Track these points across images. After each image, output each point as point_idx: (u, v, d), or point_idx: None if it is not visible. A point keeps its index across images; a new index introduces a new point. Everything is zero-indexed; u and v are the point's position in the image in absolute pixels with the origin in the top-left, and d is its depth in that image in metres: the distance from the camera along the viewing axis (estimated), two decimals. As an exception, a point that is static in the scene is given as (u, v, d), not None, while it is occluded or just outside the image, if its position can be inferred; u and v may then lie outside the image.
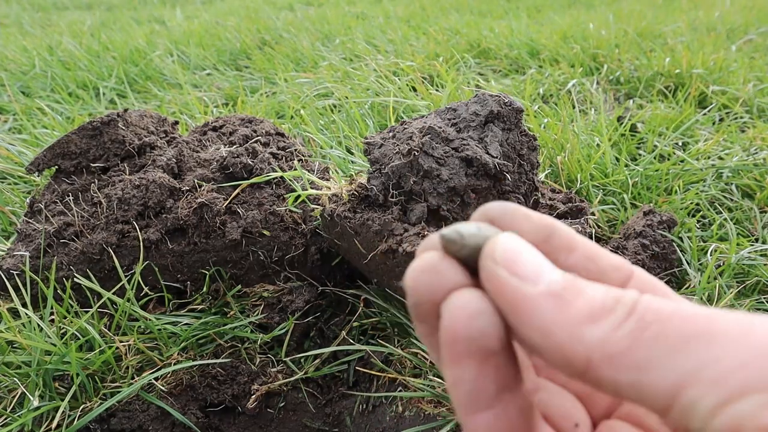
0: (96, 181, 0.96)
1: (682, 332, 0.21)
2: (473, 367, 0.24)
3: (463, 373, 0.24)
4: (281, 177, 0.97)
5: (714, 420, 0.19)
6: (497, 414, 0.24)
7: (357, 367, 0.87)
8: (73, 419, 0.73)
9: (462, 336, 0.23)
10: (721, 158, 1.28)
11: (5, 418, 0.71)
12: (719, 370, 0.19)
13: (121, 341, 0.81)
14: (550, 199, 0.96)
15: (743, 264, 0.94)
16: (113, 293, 0.82)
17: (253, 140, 1.05)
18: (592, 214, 1.06)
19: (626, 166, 1.22)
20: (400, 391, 0.81)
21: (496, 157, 0.78)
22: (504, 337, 0.24)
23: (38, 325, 0.78)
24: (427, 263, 0.25)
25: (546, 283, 0.23)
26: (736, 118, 1.55)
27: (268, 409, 0.84)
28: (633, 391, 0.21)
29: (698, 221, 1.09)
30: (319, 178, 0.96)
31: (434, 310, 0.25)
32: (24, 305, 0.81)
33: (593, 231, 1.03)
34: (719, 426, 0.19)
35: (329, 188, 0.89)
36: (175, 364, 0.81)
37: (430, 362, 0.80)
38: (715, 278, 0.91)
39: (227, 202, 0.91)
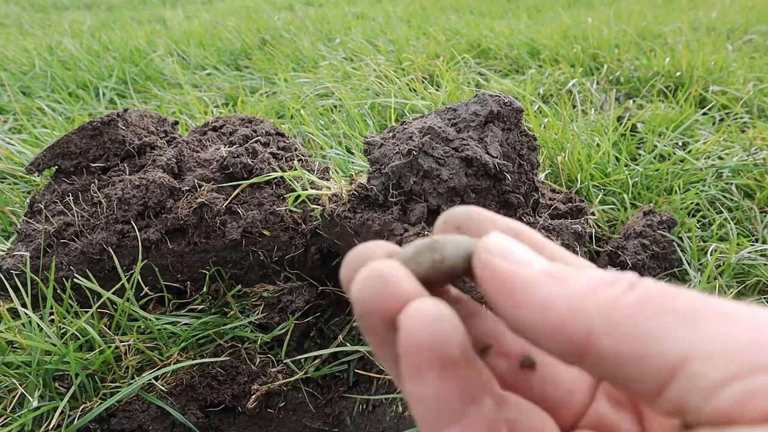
0: (96, 181, 0.96)
1: (689, 308, 0.20)
2: (435, 378, 0.22)
3: (425, 386, 0.22)
4: (281, 177, 0.97)
5: (718, 394, 0.18)
6: (464, 428, 0.23)
7: (356, 369, 0.87)
8: (73, 419, 0.73)
9: (422, 344, 0.22)
10: (721, 158, 1.28)
11: (5, 418, 0.71)
12: (730, 344, 0.19)
13: (121, 341, 0.81)
14: (550, 199, 0.96)
15: (743, 264, 0.94)
16: (113, 293, 0.82)
17: (253, 140, 1.05)
18: (592, 214, 1.06)
19: (626, 166, 1.22)
20: (400, 391, 0.81)
21: (496, 157, 0.78)
22: (466, 344, 0.23)
23: (38, 325, 0.78)
24: (376, 271, 0.23)
25: (541, 266, 0.23)
26: (736, 118, 1.55)
27: (268, 409, 0.84)
28: (634, 363, 0.20)
29: (698, 221, 1.09)
30: (319, 178, 0.96)
31: (384, 321, 0.23)
32: (24, 305, 0.81)
33: (593, 231, 1.03)
34: (723, 401, 0.18)
35: (329, 188, 0.89)
36: (175, 364, 0.81)
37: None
38: (715, 278, 0.91)
39: (227, 202, 0.91)
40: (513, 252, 0.24)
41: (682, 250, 0.98)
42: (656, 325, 0.20)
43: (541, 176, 1.12)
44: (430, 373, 0.22)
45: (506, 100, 0.81)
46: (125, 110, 1.04)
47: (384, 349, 0.25)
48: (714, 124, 1.54)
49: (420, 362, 0.22)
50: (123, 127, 1.01)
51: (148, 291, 0.89)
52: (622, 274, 0.22)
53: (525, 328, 0.23)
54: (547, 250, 0.27)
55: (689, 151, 1.29)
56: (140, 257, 0.86)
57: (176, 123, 1.15)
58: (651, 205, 1.07)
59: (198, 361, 0.82)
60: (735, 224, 1.05)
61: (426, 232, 0.75)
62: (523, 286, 0.23)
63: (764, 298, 0.90)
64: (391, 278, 0.23)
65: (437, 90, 1.65)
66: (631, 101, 1.70)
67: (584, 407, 0.28)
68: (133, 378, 0.79)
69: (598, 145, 1.28)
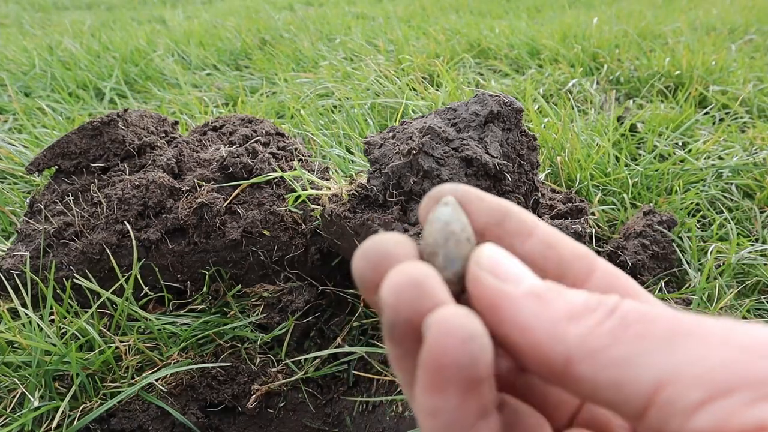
0: (96, 181, 0.96)
1: (665, 332, 0.20)
2: (457, 395, 0.21)
3: (444, 402, 0.21)
4: (281, 177, 0.97)
5: (695, 417, 0.19)
6: None
7: (355, 371, 0.87)
8: (73, 419, 0.73)
9: (451, 362, 0.20)
10: (721, 158, 1.28)
11: (5, 418, 0.71)
12: (703, 367, 0.19)
13: (121, 341, 0.81)
14: (550, 199, 0.96)
15: (743, 264, 0.94)
16: (112, 293, 0.82)
17: (253, 140, 1.05)
18: (592, 214, 1.06)
19: (626, 165, 1.22)
20: (400, 392, 0.81)
21: (496, 157, 0.78)
22: (493, 362, 0.22)
23: (38, 325, 0.78)
24: (413, 277, 0.22)
25: (528, 285, 0.23)
26: (736, 118, 1.55)
27: (268, 409, 0.84)
28: (612, 390, 0.20)
29: (698, 221, 1.09)
30: (319, 178, 0.96)
31: (414, 331, 0.22)
32: (24, 305, 0.81)
33: (593, 231, 1.03)
34: (701, 423, 0.18)
35: (329, 188, 0.89)
36: (175, 364, 0.81)
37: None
38: (715, 278, 0.91)
39: (227, 202, 0.91)
40: (502, 267, 0.24)
41: (682, 250, 0.98)
42: (631, 351, 0.20)
43: (541, 176, 1.12)
44: (453, 390, 0.21)
45: (506, 100, 0.81)
46: (125, 110, 1.04)
47: (405, 359, 0.24)
48: (714, 124, 1.54)
49: (445, 378, 0.21)
50: (123, 127, 1.01)
51: (148, 291, 0.89)
52: (605, 298, 0.22)
53: (507, 346, 0.23)
54: (537, 234, 0.26)
55: (689, 151, 1.29)
56: (135, 257, 0.86)
57: (176, 123, 1.15)
58: (651, 205, 1.07)
59: (198, 362, 0.82)
60: (735, 224, 1.05)
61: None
62: (507, 305, 0.23)
63: (764, 298, 0.90)
64: (427, 287, 0.22)
65: (437, 90, 1.65)
66: (631, 101, 1.70)
67: (579, 406, 0.28)
68: (133, 378, 0.79)
69: (598, 145, 1.28)
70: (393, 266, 0.23)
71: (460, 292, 0.25)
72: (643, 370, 0.20)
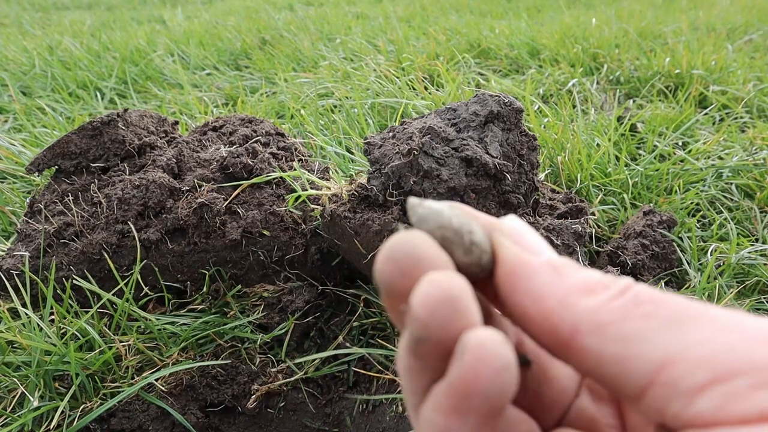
0: (96, 181, 0.96)
1: (674, 314, 0.21)
2: (477, 422, 0.21)
3: (463, 427, 0.21)
4: (281, 177, 0.97)
5: (698, 399, 0.19)
6: None
7: (356, 368, 0.87)
8: (73, 419, 0.73)
9: (481, 391, 0.20)
10: (721, 158, 1.28)
11: (5, 418, 0.71)
12: (710, 349, 0.19)
13: (121, 341, 0.81)
14: (550, 199, 0.96)
15: (743, 264, 0.94)
16: (112, 293, 0.82)
17: (253, 140, 1.05)
18: (592, 214, 1.06)
19: (626, 165, 1.22)
20: (400, 391, 0.81)
21: (496, 157, 0.78)
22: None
23: (38, 325, 0.78)
24: (448, 293, 0.20)
25: (547, 257, 0.24)
26: (736, 118, 1.55)
27: (268, 409, 0.84)
28: (615, 364, 0.20)
29: (698, 221, 1.09)
30: (319, 178, 0.96)
31: (442, 349, 0.21)
32: (24, 305, 0.81)
33: (593, 231, 1.03)
34: (704, 405, 0.19)
35: (329, 188, 0.89)
36: (174, 364, 0.81)
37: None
38: (715, 278, 0.91)
39: (227, 202, 0.91)
40: (524, 237, 0.25)
41: (682, 250, 0.98)
42: (639, 328, 0.20)
43: (541, 176, 1.12)
44: (473, 417, 0.20)
45: (506, 100, 0.81)
46: (125, 110, 1.04)
47: (422, 373, 0.23)
48: (714, 124, 1.54)
49: (470, 405, 0.20)
50: (123, 127, 1.01)
51: (148, 291, 0.89)
52: (618, 278, 0.23)
53: (517, 314, 0.23)
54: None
55: (689, 151, 1.29)
56: (139, 257, 0.86)
57: (176, 123, 1.15)
58: (651, 205, 1.07)
59: (198, 361, 0.82)
60: (735, 224, 1.05)
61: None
62: (524, 273, 0.23)
63: (764, 298, 0.90)
64: (463, 305, 0.21)
65: (437, 90, 1.65)
66: (631, 101, 1.70)
67: (569, 405, 0.28)
68: (133, 378, 0.79)
69: (598, 145, 1.28)
70: (425, 272, 0.21)
71: (486, 277, 0.25)
72: (649, 347, 0.20)
